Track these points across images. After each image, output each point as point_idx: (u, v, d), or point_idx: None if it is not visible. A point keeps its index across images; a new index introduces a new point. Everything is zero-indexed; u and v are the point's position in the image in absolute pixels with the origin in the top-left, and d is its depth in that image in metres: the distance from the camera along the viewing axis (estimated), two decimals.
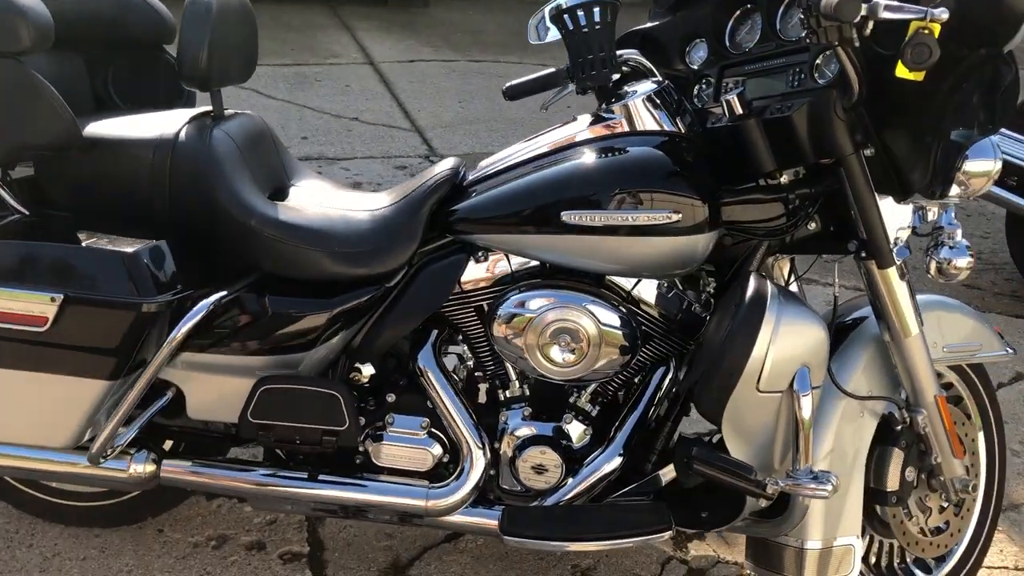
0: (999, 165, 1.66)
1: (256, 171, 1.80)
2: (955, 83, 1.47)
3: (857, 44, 1.47)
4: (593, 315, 1.69)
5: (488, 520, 1.77)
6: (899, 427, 1.81)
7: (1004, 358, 2.00)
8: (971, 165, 1.62)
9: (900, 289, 1.71)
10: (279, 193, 1.88)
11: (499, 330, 1.72)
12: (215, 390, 1.76)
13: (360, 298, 1.74)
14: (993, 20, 1.43)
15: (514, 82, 1.92)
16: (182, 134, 1.70)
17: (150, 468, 1.77)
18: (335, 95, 5.28)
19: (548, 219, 1.66)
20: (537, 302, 1.71)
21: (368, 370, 1.83)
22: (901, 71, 1.41)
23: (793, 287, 1.94)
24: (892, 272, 1.69)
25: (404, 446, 1.81)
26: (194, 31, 1.66)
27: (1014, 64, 1.47)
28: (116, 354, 1.58)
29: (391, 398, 1.83)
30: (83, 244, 1.60)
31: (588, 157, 1.69)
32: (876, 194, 1.64)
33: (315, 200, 1.85)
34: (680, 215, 1.63)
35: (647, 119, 1.73)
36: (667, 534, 1.69)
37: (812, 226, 1.74)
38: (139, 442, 1.80)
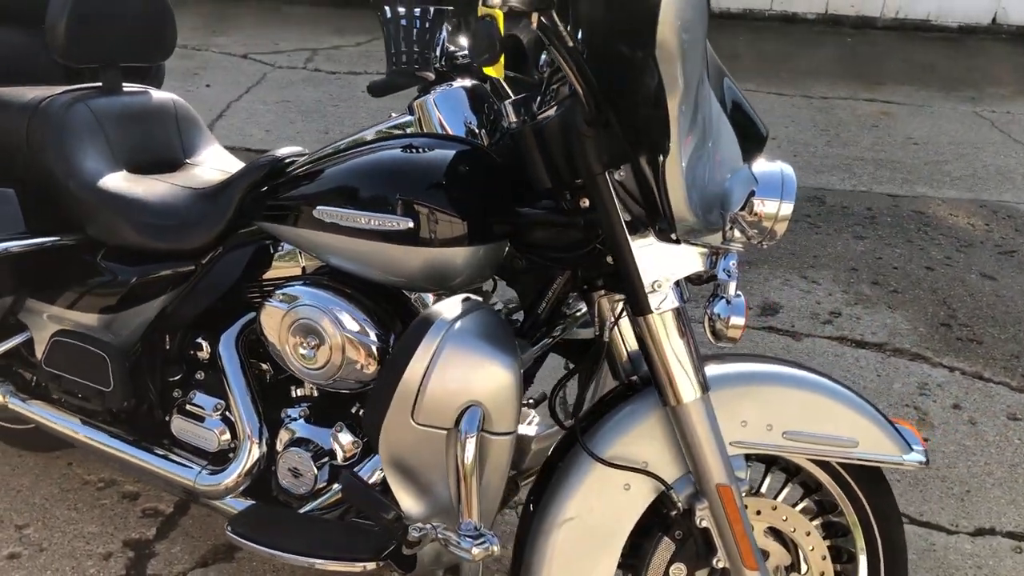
0: (788, 208, 1.33)
1: (120, 144, 1.93)
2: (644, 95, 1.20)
3: (570, 43, 1.26)
4: (338, 320, 1.59)
5: (235, 511, 1.74)
6: (673, 513, 1.50)
7: (902, 466, 1.56)
8: (761, 206, 1.33)
9: (667, 343, 1.42)
10: (159, 167, 1.99)
11: (263, 321, 1.69)
12: (43, 337, 1.91)
13: (164, 270, 1.81)
14: (633, 16, 1.15)
15: (376, 79, 1.87)
16: (44, 103, 1.87)
17: None
18: None
19: (307, 214, 1.60)
20: (292, 297, 1.65)
21: (207, 346, 1.89)
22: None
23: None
24: (653, 321, 1.41)
25: (195, 424, 1.84)
26: (55, 5, 1.84)
27: (657, 72, 1.17)
28: None
29: (200, 375, 1.86)
30: None
31: (361, 154, 1.60)
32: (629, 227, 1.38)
33: (173, 176, 1.94)
34: (413, 223, 1.49)
35: (435, 121, 1.62)
36: (366, 566, 1.54)
37: (610, 260, 1.50)
38: (4, 374, 2.03)
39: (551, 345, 1.66)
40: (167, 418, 1.88)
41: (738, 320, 1.35)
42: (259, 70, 5.76)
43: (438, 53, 1.71)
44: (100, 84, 1.98)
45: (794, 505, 1.63)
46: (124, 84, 2.03)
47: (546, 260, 1.59)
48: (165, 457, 1.83)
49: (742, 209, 1.34)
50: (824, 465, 1.59)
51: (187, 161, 2.06)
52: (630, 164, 1.34)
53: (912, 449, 1.57)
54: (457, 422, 1.37)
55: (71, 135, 1.86)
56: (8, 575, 1.96)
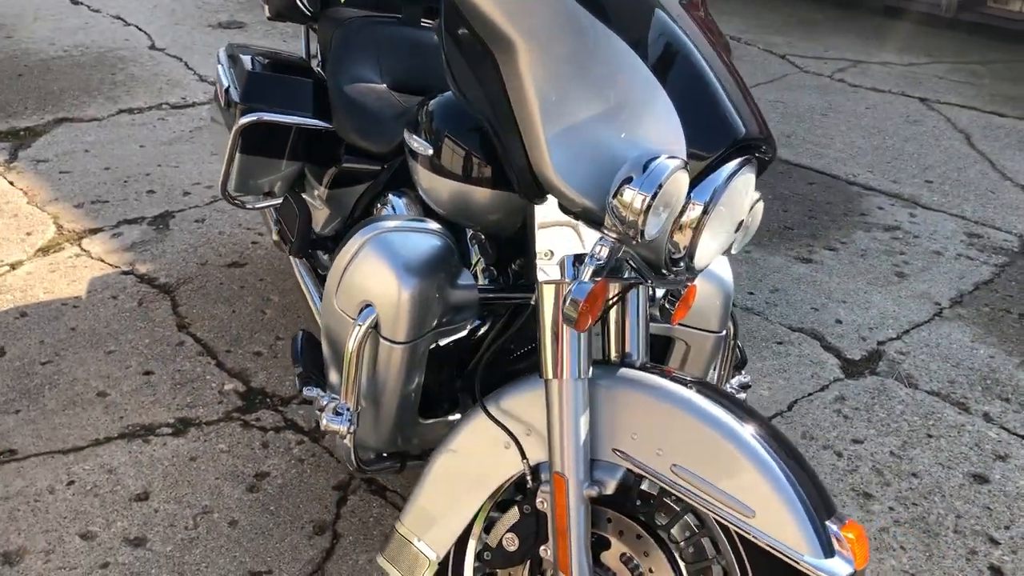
0: (641, 201, 1.22)
1: (389, 65, 2.38)
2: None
3: None
4: None
5: None
6: (527, 485, 1.48)
7: (799, 566, 1.30)
8: (630, 195, 1.26)
9: (543, 314, 1.42)
10: (421, 91, 2.39)
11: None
12: None
13: (359, 163, 2.24)
14: None
15: None
16: (347, 22, 2.41)
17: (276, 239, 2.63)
18: None
19: (408, 137, 1.85)
20: (386, 202, 1.94)
21: None
22: None
23: None
24: (541, 290, 1.41)
25: None
26: None
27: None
28: None
29: None
30: (255, 68, 2.46)
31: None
32: None
33: (418, 99, 2.33)
34: (432, 152, 1.67)
35: None
36: None
37: None
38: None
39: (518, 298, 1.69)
40: None
41: (577, 303, 1.29)
42: (783, 70, 5.82)
43: None
44: (400, 16, 2.47)
45: (691, 562, 1.46)
46: (424, 20, 2.48)
47: None
48: None
49: (615, 196, 1.27)
50: (726, 531, 1.40)
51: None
52: None
53: (829, 556, 1.30)
54: (359, 315, 1.57)
55: (348, 49, 2.37)
56: (212, 406, 2.59)
